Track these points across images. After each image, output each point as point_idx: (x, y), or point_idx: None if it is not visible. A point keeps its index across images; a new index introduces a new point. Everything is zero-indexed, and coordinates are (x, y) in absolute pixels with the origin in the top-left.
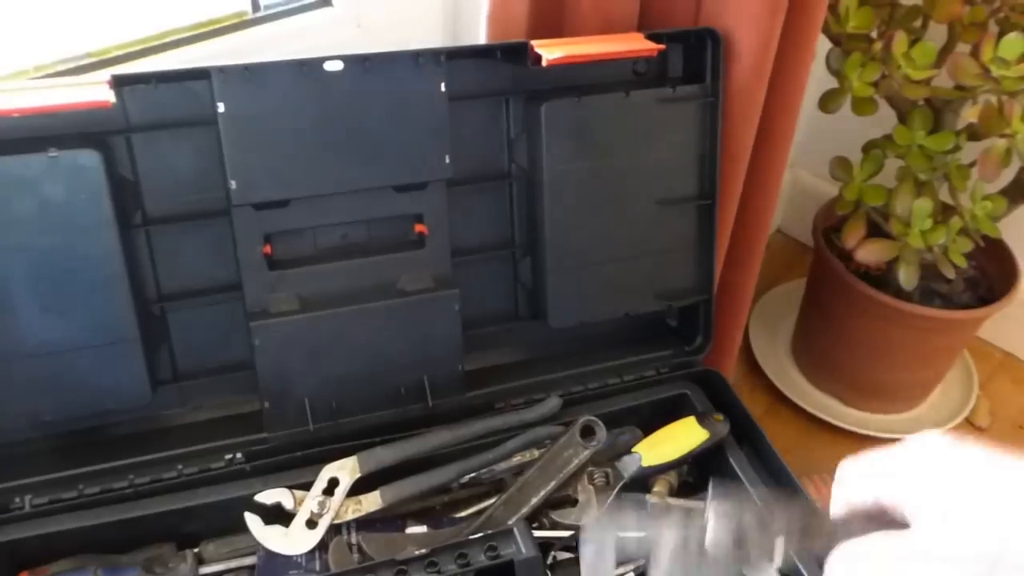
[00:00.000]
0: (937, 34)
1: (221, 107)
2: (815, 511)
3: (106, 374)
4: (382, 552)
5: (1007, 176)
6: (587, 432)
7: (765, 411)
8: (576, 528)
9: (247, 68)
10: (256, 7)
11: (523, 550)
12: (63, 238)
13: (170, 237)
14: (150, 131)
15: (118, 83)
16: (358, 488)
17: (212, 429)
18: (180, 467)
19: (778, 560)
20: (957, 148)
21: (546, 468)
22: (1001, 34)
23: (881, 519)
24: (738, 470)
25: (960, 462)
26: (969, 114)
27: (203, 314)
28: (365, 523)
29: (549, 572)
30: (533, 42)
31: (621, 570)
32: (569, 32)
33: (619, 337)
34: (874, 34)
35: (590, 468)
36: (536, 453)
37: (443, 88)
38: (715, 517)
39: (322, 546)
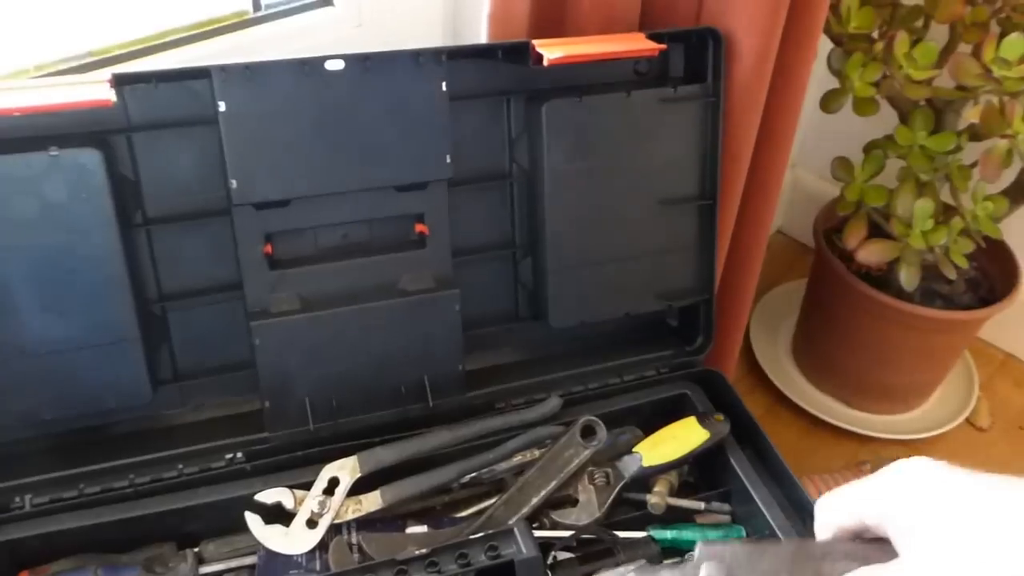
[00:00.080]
0: (939, 34)
1: (222, 106)
2: (803, 550)
3: (107, 373)
4: (382, 552)
5: (1008, 177)
6: (588, 432)
7: (765, 411)
8: (576, 528)
9: (248, 67)
10: (257, 6)
11: (524, 550)
12: (64, 237)
13: (171, 236)
14: (151, 130)
15: (119, 82)
16: (358, 488)
17: (212, 429)
18: (180, 466)
19: None
20: (958, 149)
21: (546, 468)
22: (1003, 34)
23: (867, 551)
24: (739, 470)
25: (943, 487)
26: (970, 114)
27: (204, 314)
28: (365, 523)
29: (549, 572)
30: (534, 42)
31: (621, 570)
32: (570, 32)
33: (620, 337)
34: (875, 34)
35: (590, 468)
36: (536, 453)
37: (444, 88)
38: (706, 562)
39: (322, 546)
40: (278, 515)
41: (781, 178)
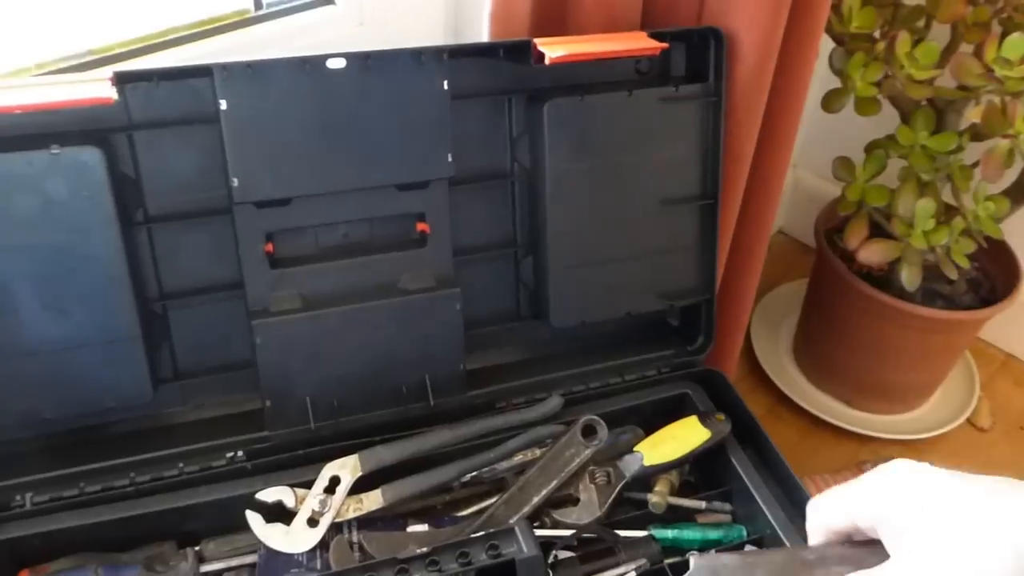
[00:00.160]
0: (940, 34)
1: (223, 104)
2: (796, 557)
3: (107, 372)
4: (383, 551)
5: (1010, 177)
6: (588, 431)
7: (766, 412)
8: (577, 527)
9: (249, 65)
10: (258, 5)
11: (524, 549)
12: (65, 235)
13: (172, 235)
14: (152, 128)
15: (120, 80)
16: (359, 487)
17: (213, 427)
18: (181, 465)
19: None
20: (960, 148)
21: (547, 467)
22: (1004, 34)
23: (860, 554)
24: (740, 470)
25: (931, 488)
26: (972, 114)
27: (204, 312)
28: (366, 522)
29: (550, 571)
30: (536, 40)
31: (622, 569)
32: (572, 31)
33: (621, 337)
34: (877, 34)
35: (591, 467)
36: (537, 452)
37: (445, 86)
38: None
39: (323, 545)
40: (279, 514)
41: (783, 178)
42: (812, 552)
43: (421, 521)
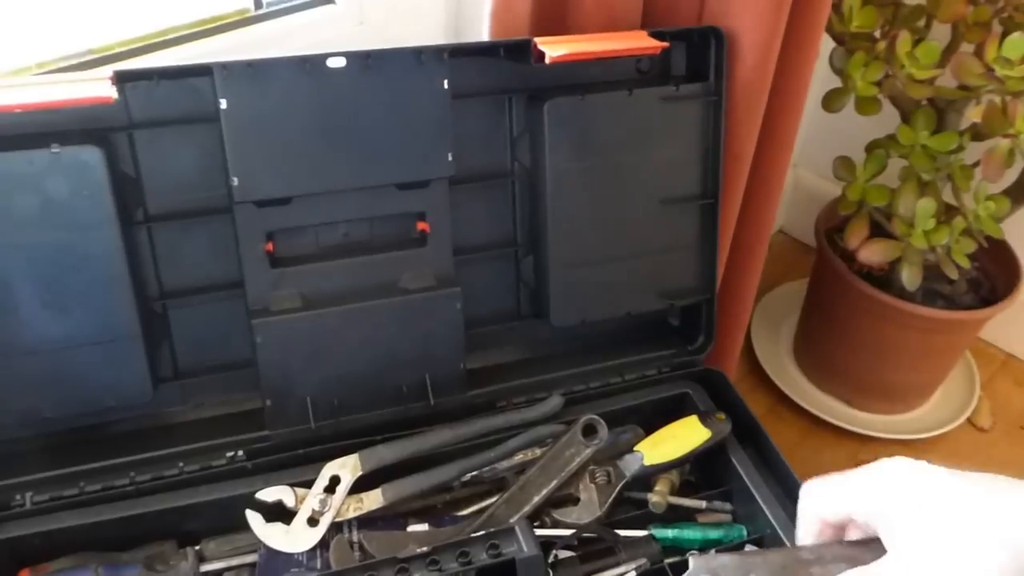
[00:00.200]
0: (941, 34)
1: (223, 103)
2: (794, 557)
3: (107, 371)
4: (383, 550)
5: (1010, 176)
6: (589, 431)
7: (767, 411)
8: (578, 527)
9: (250, 64)
10: (258, 4)
11: (525, 548)
12: (65, 235)
13: (172, 234)
14: (152, 128)
15: (120, 79)
16: (359, 486)
17: (213, 427)
18: (181, 465)
19: None
20: (960, 148)
21: (548, 467)
22: (1005, 34)
23: (856, 552)
24: (740, 470)
25: (928, 486)
26: (973, 114)
27: (205, 312)
28: (366, 521)
29: (551, 571)
30: (536, 39)
31: (622, 569)
32: (572, 30)
33: (621, 336)
34: (878, 33)
35: (592, 467)
36: (538, 452)
37: (446, 85)
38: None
39: (323, 544)
40: (279, 513)
41: (783, 177)
42: (809, 551)
43: (421, 520)
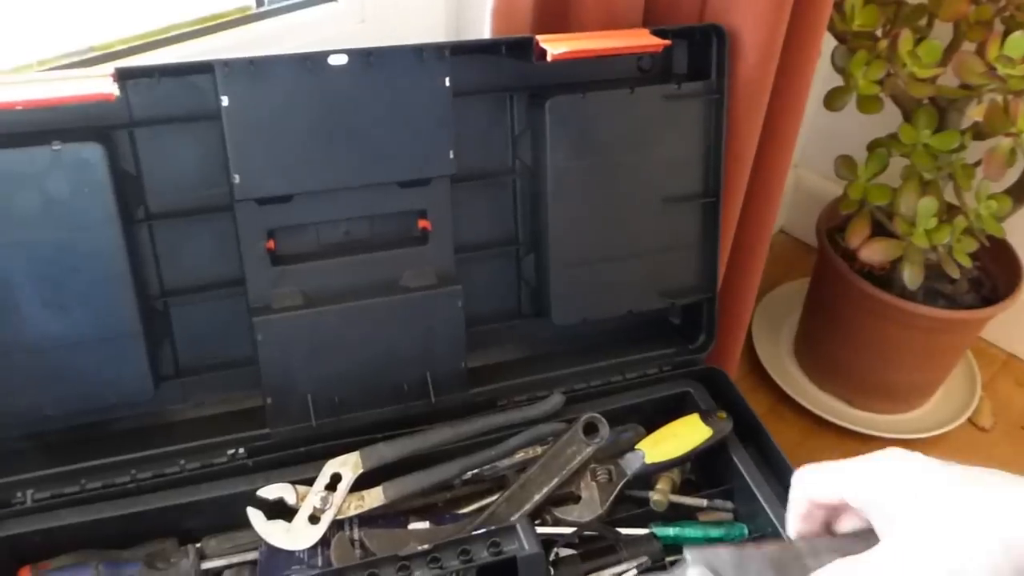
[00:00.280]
0: (943, 32)
1: (225, 101)
2: (789, 549)
3: (108, 369)
4: (384, 548)
5: (1012, 175)
6: (590, 429)
7: (767, 411)
8: (579, 525)
9: (251, 62)
10: (260, 2)
11: (526, 546)
12: (66, 232)
13: (173, 232)
14: (153, 125)
15: (122, 76)
16: (360, 484)
17: (214, 424)
18: (182, 462)
19: None
20: (962, 147)
21: (549, 465)
22: (1007, 32)
23: (848, 543)
24: (741, 468)
25: (924, 479)
26: (974, 113)
27: (206, 310)
28: (367, 519)
29: (552, 569)
30: (538, 37)
31: (623, 567)
32: (573, 28)
33: (622, 335)
34: (879, 32)
35: (593, 465)
36: (539, 450)
37: (447, 83)
38: (695, 567)
39: (324, 542)
40: (280, 511)
41: (784, 176)
42: (803, 543)
43: (422, 518)
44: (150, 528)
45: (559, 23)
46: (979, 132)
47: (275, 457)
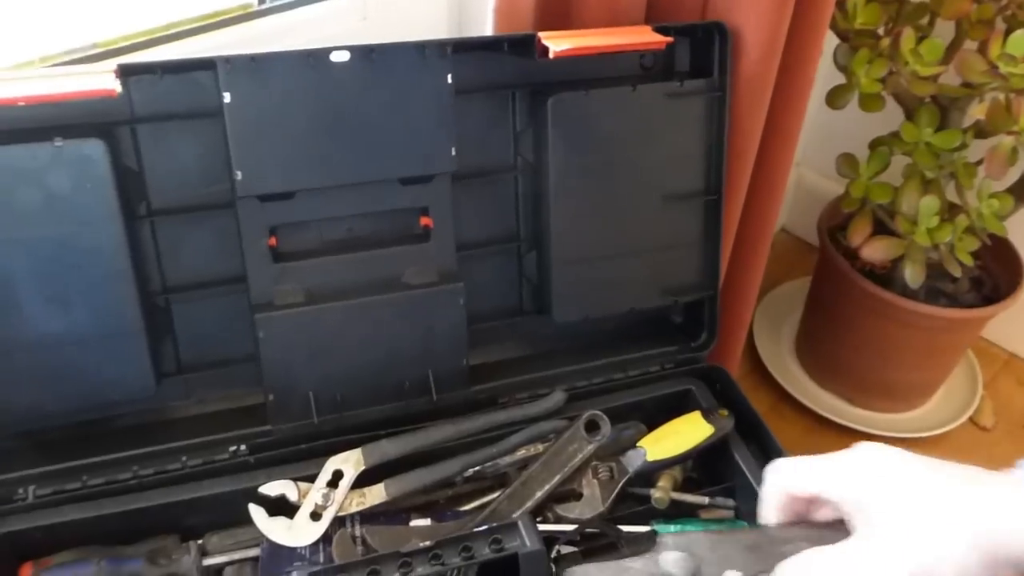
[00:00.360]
0: (945, 31)
1: (227, 97)
2: (763, 536)
3: (110, 366)
4: (386, 545)
5: (1014, 174)
6: (591, 426)
7: (769, 410)
8: (580, 522)
9: (253, 58)
10: None
11: (528, 543)
12: (68, 229)
13: (175, 229)
14: (155, 122)
15: (124, 73)
16: (362, 481)
17: (216, 421)
18: (184, 459)
19: None
20: (964, 146)
21: (550, 462)
22: (1009, 31)
23: (823, 533)
24: (743, 466)
25: (900, 472)
26: (976, 111)
27: (207, 306)
28: (369, 516)
29: (553, 566)
30: (540, 34)
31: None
32: (575, 25)
33: (624, 332)
34: (881, 30)
35: (594, 462)
36: (540, 447)
37: (449, 80)
38: (668, 551)
39: (326, 538)
40: (282, 508)
41: (787, 174)
42: (779, 531)
43: (424, 515)
44: (152, 524)
45: (561, 20)
46: (981, 130)
47: (277, 454)
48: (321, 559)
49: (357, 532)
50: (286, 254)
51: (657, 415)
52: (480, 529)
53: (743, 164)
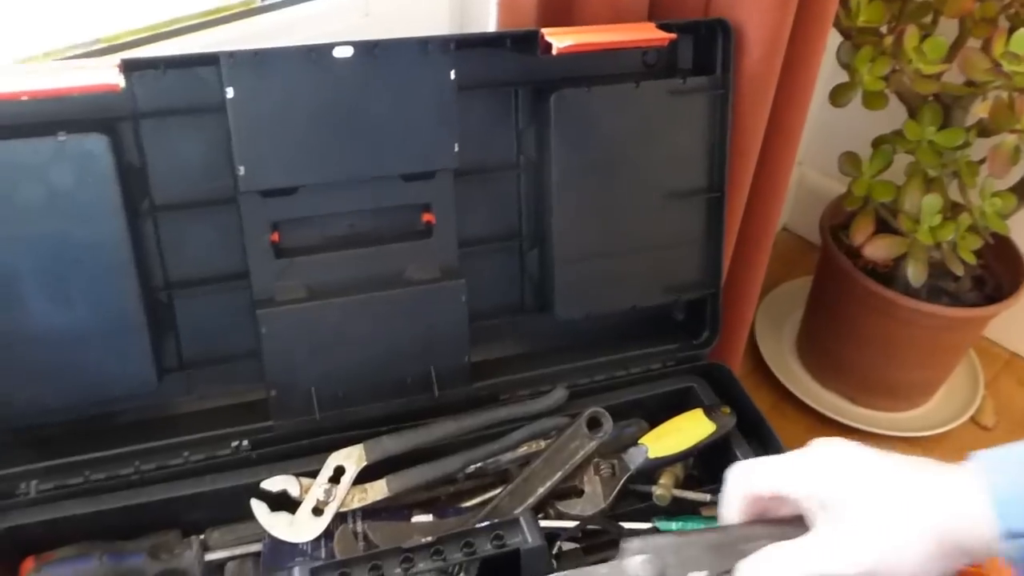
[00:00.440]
0: (948, 29)
1: (230, 92)
2: (725, 535)
3: (112, 361)
4: (388, 540)
5: (1016, 173)
6: (593, 423)
7: (770, 408)
8: (582, 519)
9: (256, 53)
10: None
11: (529, 539)
12: (70, 224)
13: (177, 224)
14: (158, 117)
15: (127, 68)
16: (364, 477)
17: (218, 417)
18: (186, 454)
19: None
20: (967, 144)
21: (552, 459)
22: (1012, 29)
23: (784, 530)
24: None
25: (862, 467)
26: (979, 110)
27: (210, 302)
28: (371, 512)
29: (554, 562)
30: (543, 30)
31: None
32: (578, 22)
33: (625, 330)
34: (885, 28)
35: (596, 459)
36: (542, 444)
37: (452, 76)
38: (633, 555)
39: (328, 534)
40: (284, 503)
41: (789, 172)
42: (740, 530)
43: (425, 512)
44: (154, 520)
45: (564, 17)
46: (984, 129)
47: (279, 450)
48: (323, 555)
49: (359, 528)
50: (288, 250)
51: (659, 412)
52: (482, 525)
53: (746, 162)
